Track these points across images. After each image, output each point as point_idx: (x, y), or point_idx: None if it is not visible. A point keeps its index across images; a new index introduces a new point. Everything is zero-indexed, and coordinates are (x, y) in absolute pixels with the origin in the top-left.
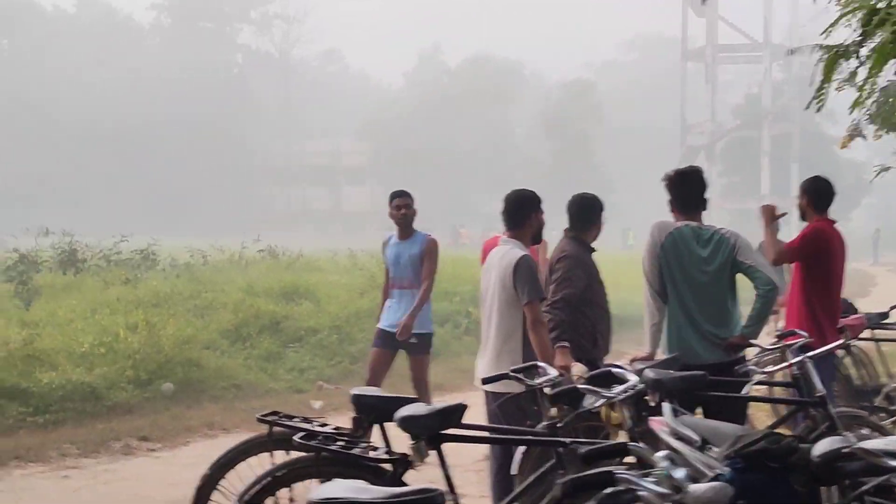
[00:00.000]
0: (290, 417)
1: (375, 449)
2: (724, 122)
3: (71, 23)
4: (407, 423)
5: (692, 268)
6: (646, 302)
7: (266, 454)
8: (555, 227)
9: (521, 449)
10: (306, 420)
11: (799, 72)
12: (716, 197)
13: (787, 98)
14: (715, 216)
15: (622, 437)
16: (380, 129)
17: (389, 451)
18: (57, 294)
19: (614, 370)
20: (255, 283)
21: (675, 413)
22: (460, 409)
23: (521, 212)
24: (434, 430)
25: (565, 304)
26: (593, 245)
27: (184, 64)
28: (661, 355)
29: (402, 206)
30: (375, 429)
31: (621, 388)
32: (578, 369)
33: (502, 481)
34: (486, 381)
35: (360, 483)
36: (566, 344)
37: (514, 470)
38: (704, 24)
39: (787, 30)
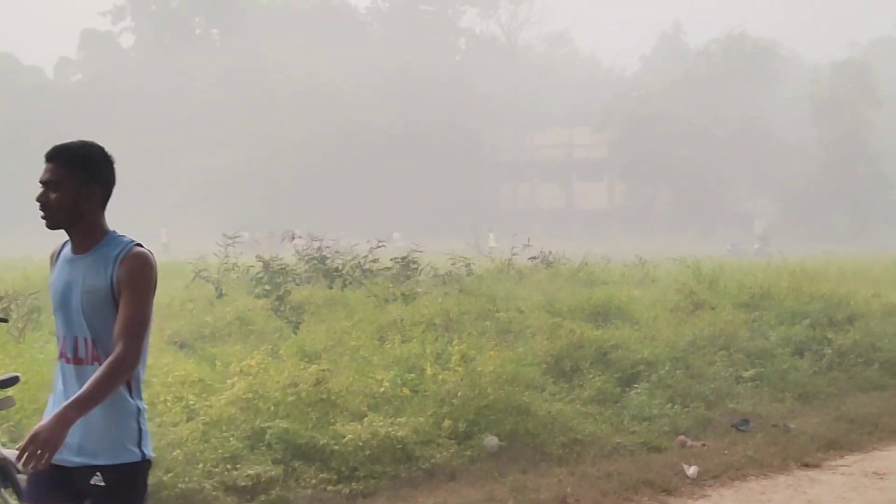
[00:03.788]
0: None
1: None
2: None
3: (283, 10)
4: None
5: None
6: None
7: None
8: (831, 227)
9: None
10: None
11: None
12: None
13: None
14: None
15: None
16: (618, 118)
17: None
18: (320, 312)
19: None
20: (555, 301)
21: None
22: None
23: None
24: None
25: None
26: None
27: (403, 50)
28: None
29: (45, 184)
30: None
31: None
32: None
33: None
34: None
35: None
36: None
37: None
38: None
39: None
